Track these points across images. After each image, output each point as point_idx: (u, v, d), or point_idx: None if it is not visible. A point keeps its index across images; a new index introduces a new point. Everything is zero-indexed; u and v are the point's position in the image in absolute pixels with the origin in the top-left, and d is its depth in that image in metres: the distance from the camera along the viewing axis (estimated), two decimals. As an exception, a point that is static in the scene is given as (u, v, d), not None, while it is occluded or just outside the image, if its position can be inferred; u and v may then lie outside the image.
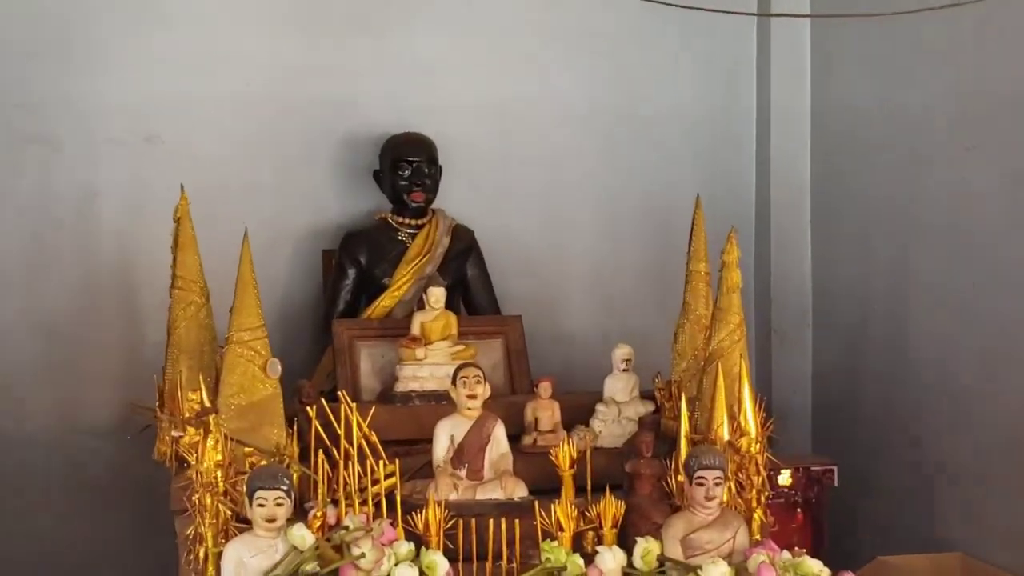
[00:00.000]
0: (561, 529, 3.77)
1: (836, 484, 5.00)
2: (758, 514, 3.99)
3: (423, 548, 3.55)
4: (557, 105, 5.91)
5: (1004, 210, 4.67)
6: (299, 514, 3.75)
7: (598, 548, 3.68)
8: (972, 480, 4.83)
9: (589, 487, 4.00)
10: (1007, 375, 4.64)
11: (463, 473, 4.00)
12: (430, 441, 4.08)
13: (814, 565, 3.57)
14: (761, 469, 4.03)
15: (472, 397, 4.02)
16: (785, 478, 4.86)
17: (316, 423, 4.07)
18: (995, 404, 4.71)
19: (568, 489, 4.03)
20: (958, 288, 4.92)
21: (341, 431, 3.95)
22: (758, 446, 4.04)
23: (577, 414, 4.63)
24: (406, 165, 5.35)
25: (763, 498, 4.04)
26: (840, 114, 5.76)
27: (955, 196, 4.96)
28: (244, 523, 3.65)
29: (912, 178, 5.21)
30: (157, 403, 4.50)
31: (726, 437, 4.01)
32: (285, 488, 3.43)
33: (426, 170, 5.37)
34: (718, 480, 3.66)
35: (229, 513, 3.71)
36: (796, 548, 3.75)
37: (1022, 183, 4.57)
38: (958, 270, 4.92)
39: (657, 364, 4.73)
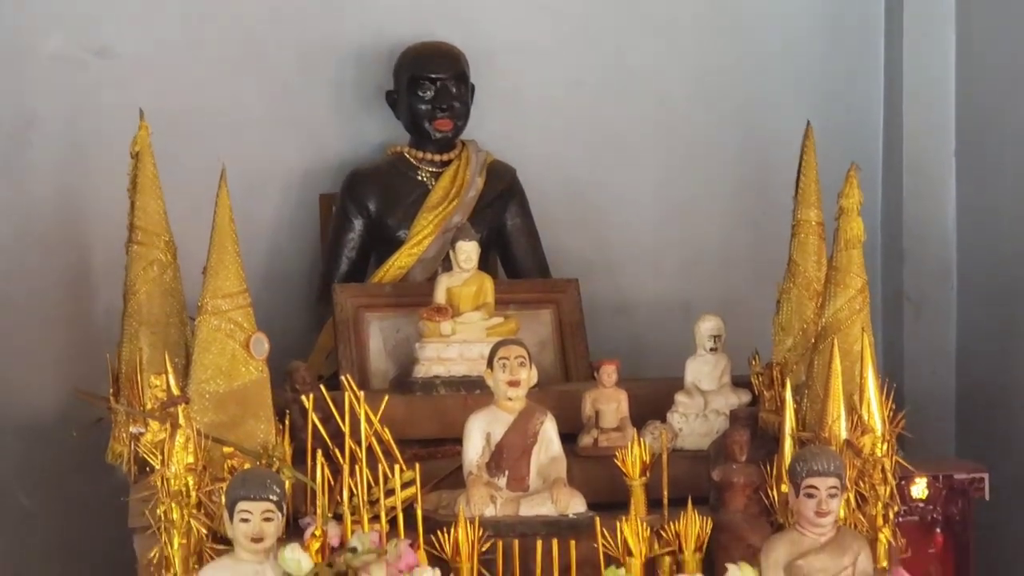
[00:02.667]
0: (630, 553, 3.81)
1: (987, 497, 5.00)
2: (885, 535, 4.00)
3: (452, 576, 3.59)
4: (622, 5, 5.89)
5: None
6: (293, 532, 3.79)
7: (678, 577, 3.73)
8: None
9: (666, 500, 4.03)
10: None
11: (502, 482, 4.03)
12: (459, 441, 4.11)
13: (957, 600, 3.59)
14: (889, 477, 4.05)
15: (514, 384, 4.04)
16: (920, 489, 4.84)
17: (313, 416, 4.11)
18: None
19: (639, 503, 4.06)
20: None
21: (346, 427, 3.98)
22: (885, 447, 4.05)
23: (651, 407, 4.65)
24: (428, 84, 5.36)
25: (892, 514, 4.05)
26: (990, 26, 5.74)
27: None
28: (223, 543, 3.69)
29: None
30: (111, 390, 4.54)
31: (843, 435, 4.02)
32: (275, 499, 3.46)
33: (453, 90, 5.39)
34: (833, 490, 3.68)
35: (204, 531, 3.75)
36: (934, 578, 3.77)
37: None
38: None
39: (754, 341, 4.73)
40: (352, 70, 5.73)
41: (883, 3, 6.05)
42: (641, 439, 4.19)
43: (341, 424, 4.00)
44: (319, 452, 3.97)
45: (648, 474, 4.08)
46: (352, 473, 3.89)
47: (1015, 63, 5.59)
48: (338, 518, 3.82)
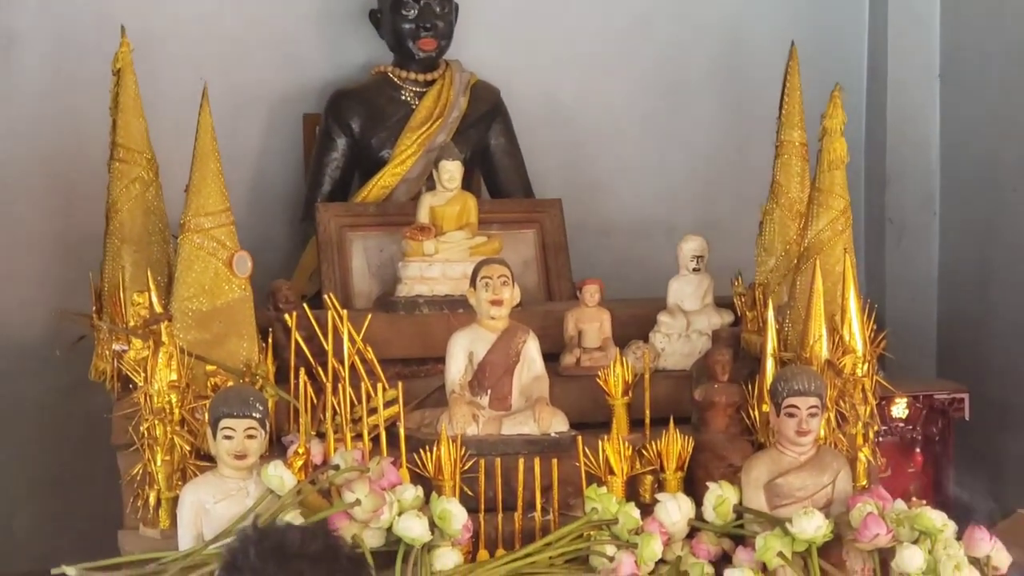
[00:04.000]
0: (611, 472, 3.82)
1: (967, 417, 5.03)
2: (865, 454, 4.05)
3: (434, 494, 3.60)
4: None
5: None
6: (276, 450, 3.80)
7: (658, 496, 3.74)
8: None
9: (648, 419, 4.05)
10: None
11: (485, 401, 4.04)
12: (442, 360, 4.11)
13: (936, 518, 3.60)
14: (870, 397, 4.09)
15: (497, 303, 4.04)
16: (900, 409, 4.89)
17: (296, 335, 4.11)
18: None
19: (621, 422, 4.08)
20: None
21: (329, 346, 3.98)
22: (866, 367, 4.08)
23: (633, 326, 4.65)
24: (411, 3, 5.31)
25: (872, 434, 4.10)
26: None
27: None
28: (206, 461, 3.70)
29: None
30: (94, 308, 4.53)
31: (825, 355, 4.04)
32: (258, 416, 3.47)
33: (437, 9, 5.34)
34: (813, 410, 3.69)
35: (187, 448, 3.77)
36: (913, 498, 3.78)
37: None
38: None
39: (737, 262, 4.75)
40: (335, -12, 5.70)
41: None
42: (623, 359, 4.21)
43: (324, 343, 4.00)
44: (302, 371, 3.97)
45: (630, 394, 4.10)
46: (335, 391, 3.90)
47: None
48: (321, 436, 3.84)
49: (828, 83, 4.26)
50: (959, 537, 3.64)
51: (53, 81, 5.46)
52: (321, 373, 3.98)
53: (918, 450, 4.95)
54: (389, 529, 3.46)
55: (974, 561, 3.60)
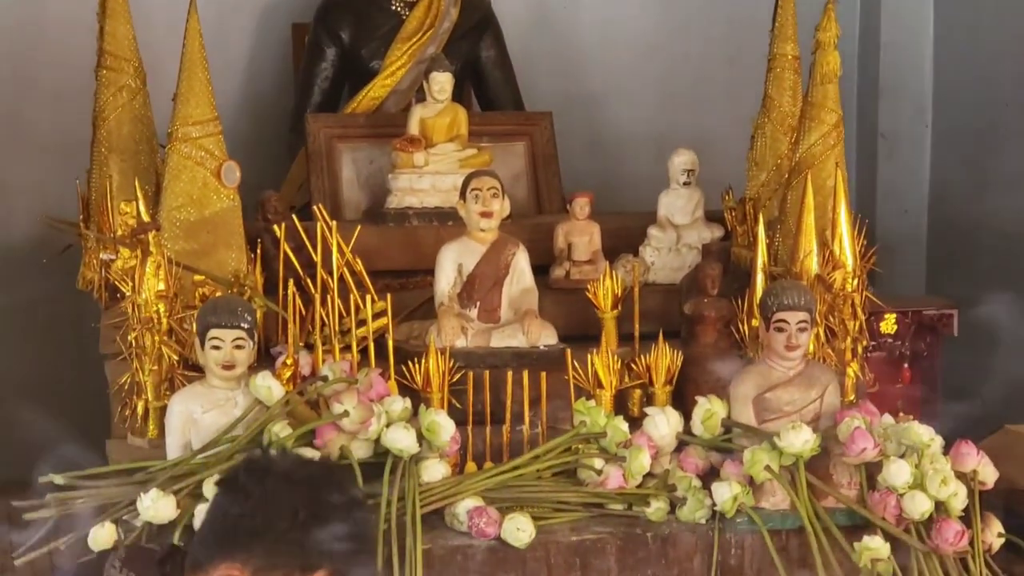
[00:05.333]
0: (600, 386, 3.84)
1: (955, 333, 5.05)
2: (853, 369, 4.07)
3: (422, 406, 3.61)
4: None
5: None
6: (264, 360, 3.80)
7: (647, 410, 3.76)
8: None
9: (637, 333, 4.06)
10: None
11: (474, 313, 4.04)
12: (431, 272, 4.11)
13: (923, 432, 3.63)
14: (859, 312, 4.10)
15: (486, 215, 4.03)
16: (889, 324, 4.91)
17: (285, 245, 4.10)
18: None
19: (610, 336, 4.09)
20: None
21: (318, 257, 3.98)
22: (856, 282, 4.10)
23: (623, 240, 4.66)
24: (403, -86, 5.31)
25: (860, 349, 4.12)
26: None
27: None
28: (194, 370, 3.70)
29: None
30: (81, 217, 4.53)
31: (815, 270, 4.05)
32: (246, 327, 3.47)
33: (429, -82, 5.32)
34: (803, 325, 3.69)
35: (175, 358, 3.77)
36: (901, 412, 3.80)
37: None
38: None
39: (728, 177, 4.74)
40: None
41: None
42: (613, 272, 4.21)
43: (313, 254, 4.00)
44: (291, 282, 3.98)
45: (620, 307, 4.10)
46: (324, 303, 3.90)
47: None
48: (309, 347, 3.84)
49: None
50: (946, 452, 3.67)
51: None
52: (310, 284, 3.98)
53: (906, 366, 4.99)
54: (377, 441, 3.47)
55: (961, 476, 3.62)
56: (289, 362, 3.71)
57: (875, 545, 3.48)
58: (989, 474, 3.68)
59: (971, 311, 5.12)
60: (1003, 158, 5.49)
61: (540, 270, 4.28)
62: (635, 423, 3.71)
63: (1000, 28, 5.52)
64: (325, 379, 3.54)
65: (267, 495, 1.90)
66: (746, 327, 4.04)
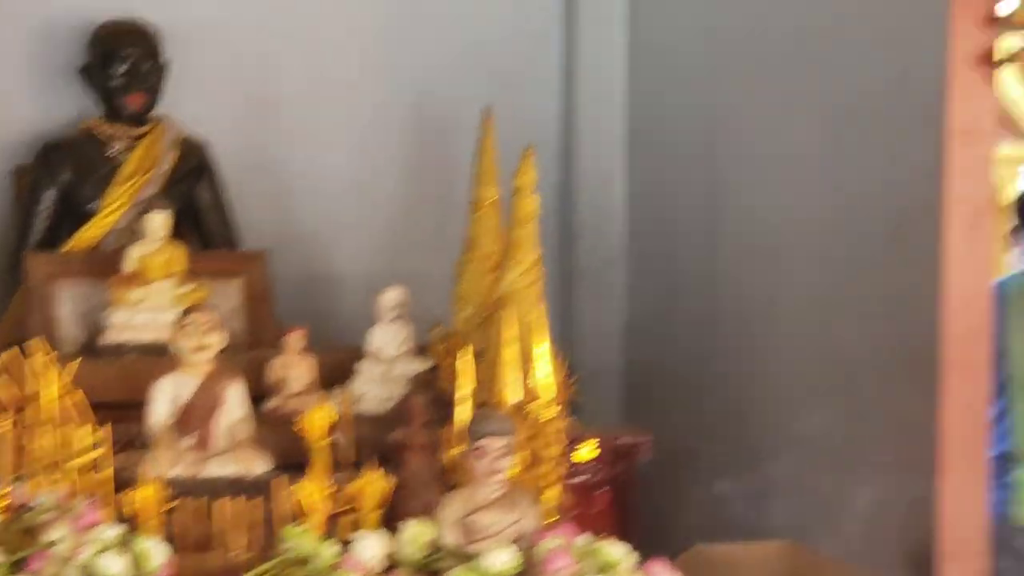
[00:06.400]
0: (310, 511, 3.86)
1: (650, 458, 5.19)
2: (553, 493, 4.18)
3: (135, 534, 3.59)
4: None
5: (827, 137, 5.02)
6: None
7: (355, 534, 3.79)
8: (805, 457, 5.11)
9: (347, 461, 4.10)
10: (844, 326, 4.94)
11: (189, 443, 4.05)
12: (147, 404, 4.12)
13: (615, 552, 3.75)
14: (558, 440, 4.23)
15: (201, 349, 4.07)
16: (587, 451, 5.02)
17: (3, 378, 4.06)
18: (833, 366, 5.00)
19: (320, 463, 4.11)
20: (780, 224, 5.25)
21: (36, 389, 3.95)
22: (555, 412, 4.23)
23: (336, 372, 4.75)
24: (119, 60, 5.36)
25: (560, 474, 4.23)
26: (659, 20, 6.01)
27: (778, 121, 5.27)
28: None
29: (732, 97, 5.52)
30: None
31: (515, 400, 4.17)
32: (-41, 458, 3.43)
33: (145, 66, 5.40)
34: (504, 451, 3.79)
35: None
36: (598, 533, 3.90)
37: (838, 120, 4.96)
38: (778, 198, 5.25)
39: (436, 312, 4.87)
40: (47, 43, 5.67)
41: (562, 3, 6.22)
42: (325, 403, 4.25)
43: (31, 386, 3.96)
44: (10, 412, 3.93)
45: (331, 436, 4.14)
46: (40, 434, 3.86)
47: (678, 61, 5.88)
48: (23, 479, 3.80)
49: (523, 142, 4.38)
50: (639, 569, 3.78)
51: None
52: (27, 415, 3.94)
53: (604, 489, 5.09)
54: (89, 568, 3.45)
55: (654, 591, 3.75)
56: (4, 492, 3.67)
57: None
58: (679, 590, 3.81)
59: (665, 437, 5.31)
60: (690, 297, 5.74)
61: (255, 401, 4.33)
62: (345, 547, 3.74)
63: (683, 178, 5.80)
64: (37, 509, 3.51)
65: None
66: (452, 454, 4.12)
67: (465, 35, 6.10)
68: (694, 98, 5.80)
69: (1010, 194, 5.89)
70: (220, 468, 4.00)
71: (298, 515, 3.85)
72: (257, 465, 4.03)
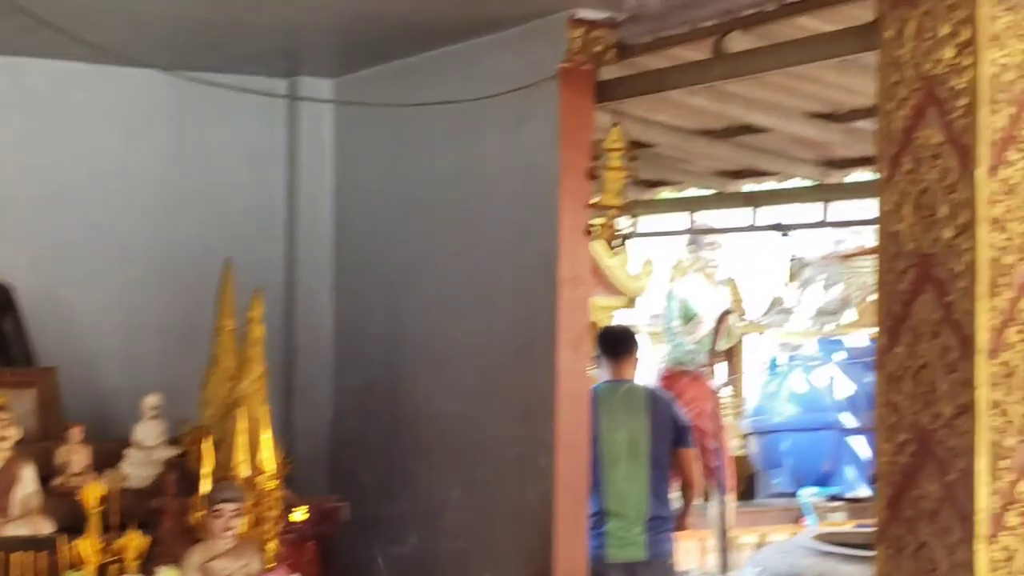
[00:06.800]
0: (86, 562, 3.86)
1: (348, 519, 5.18)
2: (272, 545, 4.23)
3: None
4: (96, 170, 5.83)
5: (476, 281, 5.08)
6: None
7: (120, 579, 3.82)
8: (460, 517, 5.14)
9: (116, 524, 4.10)
10: (489, 418, 4.97)
11: (-9, 511, 4.01)
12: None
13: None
14: (277, 505, 4.30)
15: (2, 440, 4.05)
16: (300, 513, 5.02)
17: None
18: (481, 447, 5.03)
19: (95, 525, 4.10)
20: (444, 344, 5.30)
21: None
22: (275, 484, 4.29)
23: (110, 459, 4.72)
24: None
25: (277, 531, 4.29)
26: (358, 193, 6.02)
27: (442, 269, 5.31)
28: None
29: (408, 252, 5.56)
30: None
31: (245, 475, 4.23)
32: None
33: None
34: (235, 513, 3.88)
35: None
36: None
37: (484, 267, 5.02)
38: (444, 327, 5.30)
39: (186, 412, 4.88)
40: None
41: (286, 184, 6.17)
42: (99, 481, 4.25)
43: None
44: None
45: (103, 505, 4.12)
46: None
47: (373, 226, 5.88)
48: None
49: (254, 283, 4.52)
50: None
51: None
52: None
53: (312, 542, 5.03)
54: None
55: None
56: None
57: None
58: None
59: (361, 504, 5.32)
60: (378, 399, 5.77)
61: (44, 479, 4.31)
62: (113, 588, 3.76)
63: (378, 313, 5.82)
64: None
65: None
66: (197, 516, 4.13)
67: (215, 205, 6.01)
68: (379, 251, 5.80)
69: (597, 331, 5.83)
70: (16, 529, 3.98)
71: (76, 565, 3.85)
72: (45, 527, 4.01)
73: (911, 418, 3.07)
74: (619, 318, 7.00)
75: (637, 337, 5.93)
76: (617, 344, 5.69)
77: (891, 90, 3.14)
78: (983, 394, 2.93)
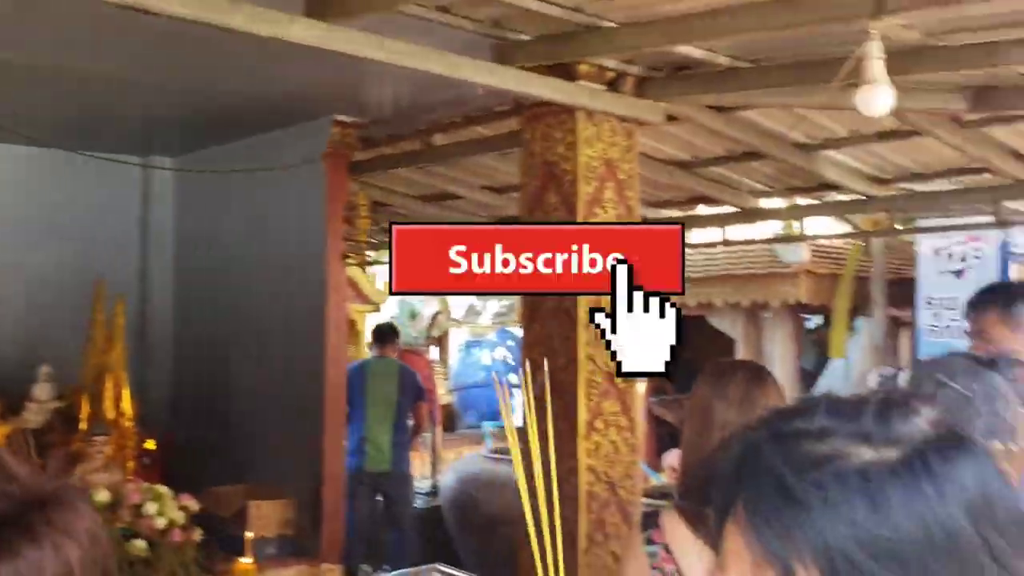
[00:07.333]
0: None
1: (183, 444, 5.05)
2: (131, 464, 4.21)
3: None
4: None
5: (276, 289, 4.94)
6: None
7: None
8: (261, 445, 4.92)
9: (19, 452, 4.03)
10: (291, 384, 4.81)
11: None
12: None
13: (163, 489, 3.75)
14: (133, 437, 4.31)
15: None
16: (149, 444, 4.78)
17: None
18: (277, 402, 4.83)
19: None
20: (250, 329, 5.00)
21: None
22: (132, 423, 4.29)
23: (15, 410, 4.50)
24: None
25: (134, 454, 4.28)
26: (192, 234, 5.67)
27: (251, 285, 5.10)
28: None
29: (229, 273, 5.33)
30: None
31: (112, 417, 4.19)
32: None
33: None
34: (104, 443, 3.82)
35: None
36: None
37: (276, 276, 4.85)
38: (251, 320, 5.06)
39: (69, 377, 4.62)
40: None
41: (139, 227, 5.76)
42: (7, 424, 4.18)
43: None
44: None
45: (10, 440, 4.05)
46: None
47: (203, 252, 5.55)
48: None
49: (118, 291, 4.53)
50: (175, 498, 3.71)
51: None
52: None
53: (157, 463, 4.73)
54: None
55: None
56: None
57: None
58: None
59: (194, 433, 5.11)
60: (202, 370, 5.48)
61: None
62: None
63: (200, 314, 5.49)
64: None
65: None
66: (78, 446, 4.07)
67: (93, 241, 5.49)
68: (206, 270, 5.41)
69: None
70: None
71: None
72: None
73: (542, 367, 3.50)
74: (373, 318, 7.32)
75: (398, 331, 6.39)
76: (383, 335, 6.15)
77: (528, 170, 3.56)
78: (582, 352, 3.43)
